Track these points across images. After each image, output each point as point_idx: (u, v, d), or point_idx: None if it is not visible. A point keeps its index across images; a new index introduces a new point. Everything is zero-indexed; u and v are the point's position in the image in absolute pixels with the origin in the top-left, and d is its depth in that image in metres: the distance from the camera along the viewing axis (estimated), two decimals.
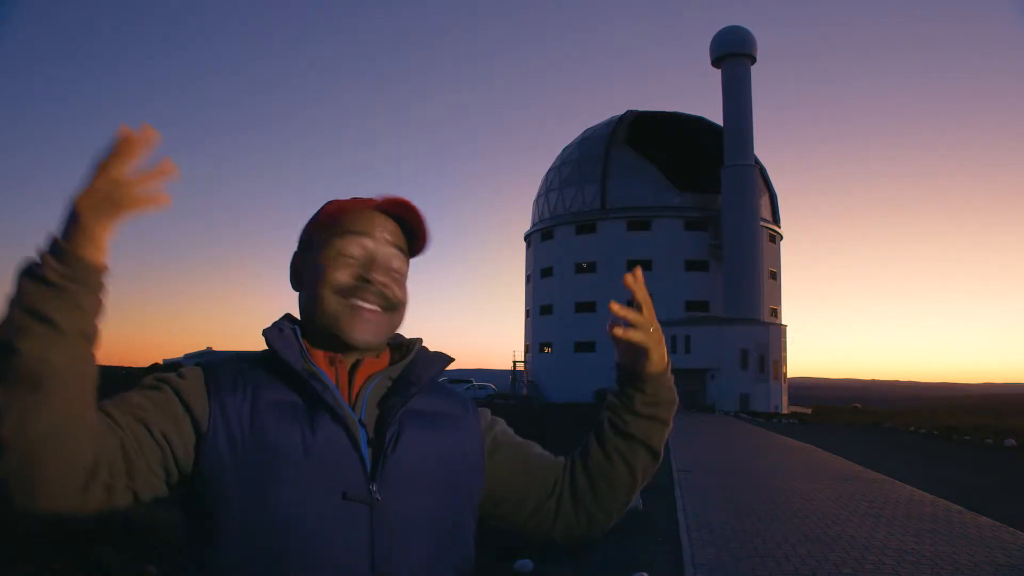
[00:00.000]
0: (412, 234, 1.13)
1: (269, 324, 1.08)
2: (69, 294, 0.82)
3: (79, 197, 0.83)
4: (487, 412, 1.22)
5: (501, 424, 1.22)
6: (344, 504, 0.97)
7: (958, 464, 15.73)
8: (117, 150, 0.83)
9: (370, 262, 1.08)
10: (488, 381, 58.08)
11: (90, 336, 0.85)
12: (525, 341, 61.85)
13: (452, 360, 1.17)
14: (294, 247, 1.17)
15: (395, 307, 1.09)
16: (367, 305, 1.06)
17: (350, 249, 1.07)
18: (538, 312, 58.45)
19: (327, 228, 1.09)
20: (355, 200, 1.11)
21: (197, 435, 0.98)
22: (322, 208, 1.13)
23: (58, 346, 0.81)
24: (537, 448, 1.23)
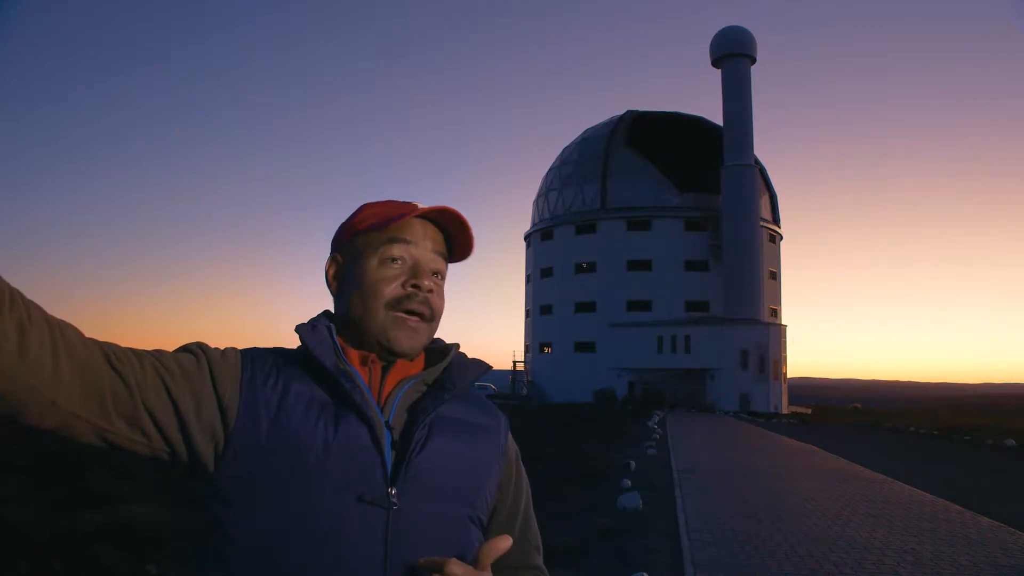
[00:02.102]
0: (454, 241, 1.13)
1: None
2: None
3: None
4: (515, 447, 1.21)
5: (525, 477, 1.21)
6: (360, 506, 0.96)
7: (958, 464, 15.73)
8: None
9: (416, 267, 1.08)
10: (488, 381, 57.96)
11: None
12: (525, 341, 61.83)
13: (490, 368, 1.16)
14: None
15: (435, 317, 1.10)
16: (413, 316, 1.06)
17: (395, 255, 1.08)
18: (538, 312, 58.42)
19: (370, 234, 1.09)
20: (398, 207, 1.11)
21: (224, 423, 0.97)
22: (360, 212, 1.13)
23: None
24: (531, 534, 1.20)
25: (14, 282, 0.84)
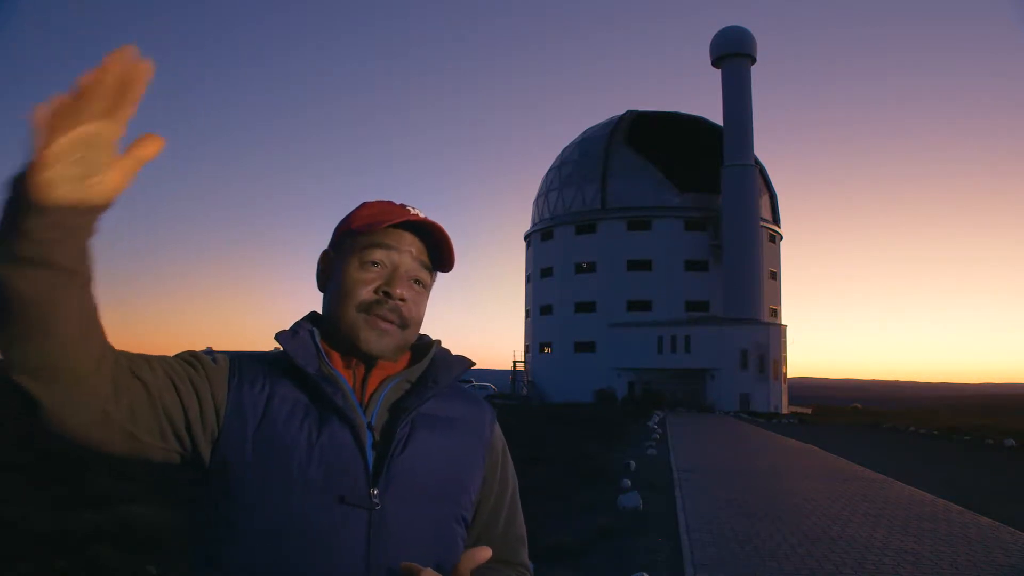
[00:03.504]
0: (438, 253, 1.14)
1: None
2: (12, 217, 0.74)
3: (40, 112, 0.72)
4: (502, 438, 1.20)
5: (511, 469, 1.20)
6: (343, 508, 0.97)
7: (958, 464, 15.73)
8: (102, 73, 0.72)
9: (393, 274, 1.09)
10: (488, 381, 57.97)
11: (48, 263, 0.75)
12: (525, 341, 61.81)
13: (473, 364, 1.17)
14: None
15: (408, 325, 1.10)
16: (383, 322, 1.07)
17: (376, 258, 1.08)
18: (538, 312, 58.41)
19: (358, 235, 1.10)
20: (389, 211, 1.11)
21: (216, 425, 0.99)
22: (358, 211, 1.14)
23: (19, 273, 0.75)
24: (516, 527, 1.19)
25: None
